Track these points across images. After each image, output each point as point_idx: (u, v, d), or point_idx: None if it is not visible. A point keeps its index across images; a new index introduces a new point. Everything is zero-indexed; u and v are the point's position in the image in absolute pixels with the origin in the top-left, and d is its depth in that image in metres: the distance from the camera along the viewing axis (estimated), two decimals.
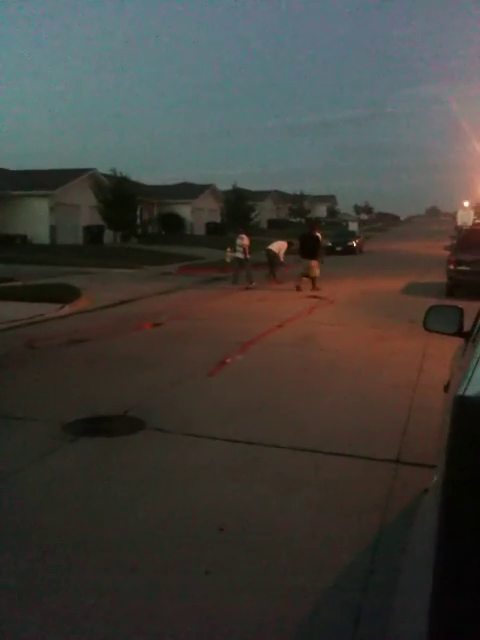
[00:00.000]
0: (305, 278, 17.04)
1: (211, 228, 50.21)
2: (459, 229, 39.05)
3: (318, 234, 18.27)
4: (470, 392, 1.56)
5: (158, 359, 8.46)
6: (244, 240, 18.48)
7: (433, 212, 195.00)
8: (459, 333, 3.82)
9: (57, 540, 3.60)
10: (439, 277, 17.76)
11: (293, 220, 72.07)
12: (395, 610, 1.79)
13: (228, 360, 8.22)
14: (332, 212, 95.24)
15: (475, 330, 3.29)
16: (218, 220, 52.84)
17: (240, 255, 18.42)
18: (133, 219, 38.46)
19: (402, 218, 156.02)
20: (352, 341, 9.92)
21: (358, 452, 4.97)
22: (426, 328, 4.08)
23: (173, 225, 47.53)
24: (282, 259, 19.11)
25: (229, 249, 23.75)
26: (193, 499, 4.15)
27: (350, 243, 37.82)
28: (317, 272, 17.10)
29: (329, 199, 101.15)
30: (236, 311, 13.33)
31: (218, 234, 46.13)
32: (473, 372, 1.77)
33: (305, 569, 3.32)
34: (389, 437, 5.33)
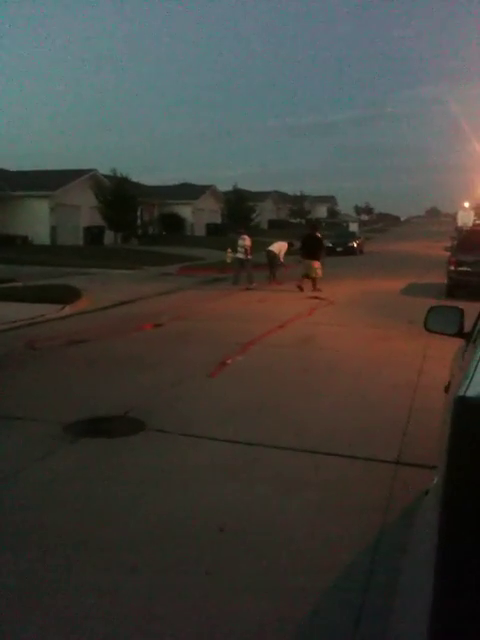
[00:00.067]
0: (307, 279, 17.05)
1: (212, 229, 50.22)
2: (459, 230, 39.05)
3: (320, 235, 18.27)
4: (471, 393, 1.56)
5: (158, 360, 8.46)
6: (246, 241, 18.47)
7: (433, 213, 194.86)
8: (460, 334, 3.82)
9: (57, 540, 3.61)
10: (439, 278, 17.77)
11: (293, 221, 72.06)
12: (395, 610, 1.79)
13: (228, 361, 8.22)
14: (332, 213, 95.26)
15: (476, 331, 3.29)
16: (219, 221, 52.84)
17: (242, 256, 18.41)
18: (133, 220, 38.46)
19: (402, 219, 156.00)
20: (352, 342, 9.92)
21: (358, 453, 4.96)
22: (427, 329, 4.09)
23: (174, 226, 47.53)
24: (282, 260, 19.10)
25: (229, 250, 23.78)
26: (193, 499, 4.15)
27: (350, 244, 37.84)
28: (319, 273, 17.11)
29: (329, 200, 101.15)
30: (236, 312, 13.33)
31: (219, 235, 46.14)
32: (474, 373, 1.77)
33: (305, 569, 3.32)
34: (389, 438, 5.33)
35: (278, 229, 54.41)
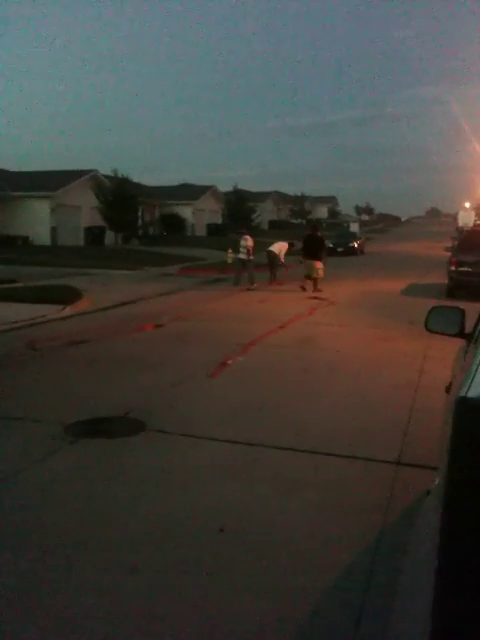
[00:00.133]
0: (309, 279, 17.07)
1: (212, 229, 50.23)
2: (460, 230, 39.05)
3: (321, 235, 18.26)
4: (472, 393, 1.55)
5: (159, 360, 8.46)
6: (248, 241, 18.48)
7: (434, 213, 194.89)
8: (461, 334, 3.81)
9: (57, 540, 3.60)
10: (439, 278, 17.76)
11: (294, 221, 72.08)
12: (396, 610, 1.79)
13: (229, 361, 8.22)
14: (333, 213, 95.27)
15: (477, 331, 3.28)
16: (219, 221, 52.86)
17: (243, 256, 18.41)
18: (134, 220, 38.49)
19: (403, 219, 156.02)
20: (353, 342, 9.92)
21: (358, 453, 4.96)
22: (428, 329, 4.08)
23: (174, 226, 47.54)
24: (283, 260, 19.10)
25: (230, 250, 23.78)
26: (193, 500, 4.15)
27: (351, 244, 37.84)
28: (320, 273, 17.13)
29: (330, 200, 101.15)
30: (237, 312, 13.33)
31: (219, 235, 46.16)
32: (475, 373, 1.77)
33: (305, 569, 3.32)
34: (390, 438, 5.33)
35: (278, 230, 54.43)
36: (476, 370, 1.82)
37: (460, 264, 15.78)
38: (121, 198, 35.01)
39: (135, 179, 39.39)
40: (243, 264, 18.45)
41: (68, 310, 12.87)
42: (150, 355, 8.79)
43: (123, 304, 14.21)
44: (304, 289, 16.65)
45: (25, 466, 4.70)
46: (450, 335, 3.92)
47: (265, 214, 61.53)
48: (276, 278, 18.83)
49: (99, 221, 35.93)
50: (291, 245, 19.60)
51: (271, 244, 19.66)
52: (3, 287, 15.42)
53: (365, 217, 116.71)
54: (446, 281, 16.28)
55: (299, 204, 77.74)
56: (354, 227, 60.63)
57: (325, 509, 4.04)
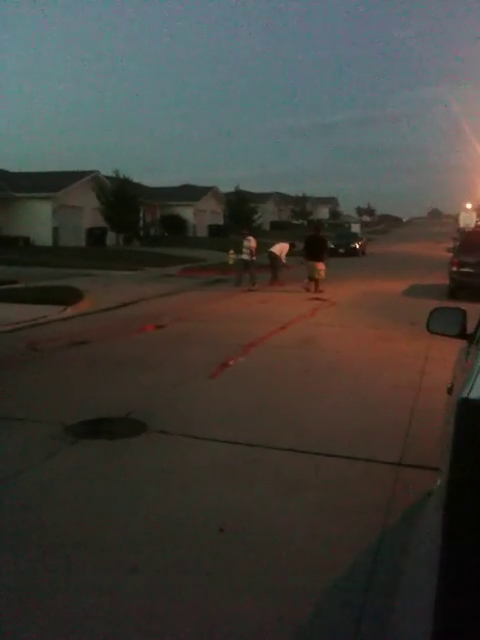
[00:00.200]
0: (313, 280, 17.09)
1: (213, 230, 50.27)
2: (461, 231, 39.05)
3: (323, 236, 18.27)
4: (474, 395, 1.55)
5: (160, 361, 8.45)
6: (251, 242, 18.53)
7: (435, 214, 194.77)
8: (462, 335, 3.81)
9: (58, 540, 3.60)
10: (441, 279, 17.75)
11: (295, 222, 72.09)
12: (397, 610, 1.79)
13: (230, 362, 8.22)
14: (334, 214, 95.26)
15: (478, 332, 3.28)
16: (220, 222, 52.89)
17: (246, 257, 18.45)
18: (136, 221, 38.54)
19: (404, 220, 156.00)
20: (354, 343, 9.91)
21: (359, 454, 4.95)
22: (429, 330, 4.08)
23: (175, 227, 47.57)
24: (284, 260, 19.10)
25: (231, 251, 23.78)
26: (194, 500, 4.14)
27: (352, 245, 37.86)
28: (322, 274, 17.13)
29: (331, 201, 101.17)
30: (238, 313, 13.32)
31: (220, 236, 46.19)
32: (477, 375, 1.76)
33: (306, 570, 3.31)
34: (391, 439, 5.32)
35: (280, 230, 54.44)
36: (478, 371, 1.81)
37: (461, 265, 15.78)
38: (122, 199, 35.06)
39: (136, 180, 39.52)
40: (245, 265, 18.48)
41: (69, 311, 12.88)
42: (151, 356, 8.79)
43: (124, 305, 14.21)
44: (308, 290, 16.67)
45: (26, 466, 4.70)
46: (451, 336, 3.92)
47: (266, 215, 61.55)
48: (277, 279, 18.84)
49: (100, 222, 35.97)
50: (292, 245, 19.61)
51: (272, 245, 19.68)
52: (4, 288, 15.43)
53: (366, 218, 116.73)
54: (447, 282, 16.28)
55: (300, 205, 77.77)
56: (355, 228, 60.69)
57: (326, 510, 4.03)
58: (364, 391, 6.96)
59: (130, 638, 2.80)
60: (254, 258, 18.41)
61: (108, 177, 37.63)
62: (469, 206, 66.13)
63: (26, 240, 33.08)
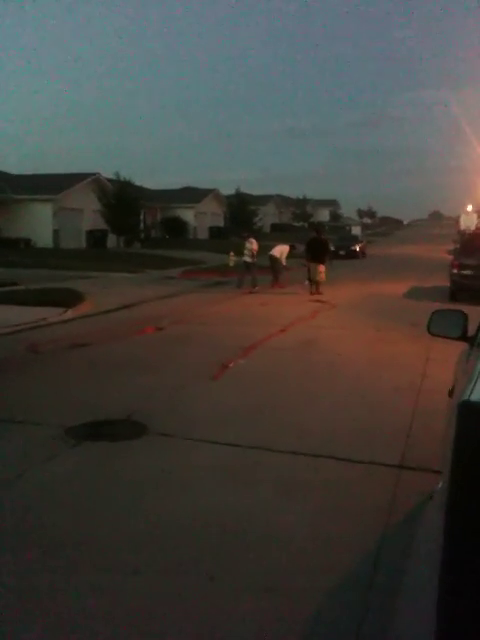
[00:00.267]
0: (316, 282, 17.13)
1: (214, 232, 50.32)
2: (462, 233, 39.06)
3: (324, 238, 18.30)
4: (475, 397, 1.55)
5: (160, 363, 8.46)
6: (253, 244, 18.60)
7: (436, 216, 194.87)
8: (463, 337, 3.80)
9: (59, 542, 3.60)
10: (442, 281, 17.77)
11: (296, 224, 72.13)
12: (400, 611, 1.79)
13: (230, 364, 8.22)
14: (335, 216, 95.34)
15: (479, 335, 3.28)
16: (221, 224, 52.94)
17: (248, 259, 18.50)
18: (136, 223, 38.55)
19: (405, 222, 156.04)
20: (355, 345, 9.91)
21: (360, 456, 4.95)
22: (430, 332, 4.07)
23: (176, 229, 47.62)
24: (285, 262, 19.12)
25: (232, 253, 23.81)
26: (195, 502, 4.14)
27: (353, 247, 37.89)
28: (322, 276, 17.18)
29: (332, 203, 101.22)
30: (238, 315, 13.33)
31: (221, 238, 46.23)
32: (478, 377, 1.76)
33: (306, 571, 3.31)
34: (392, 441, 5.31)
35: (280, 232, 54.46)
36: (479, 374, 1.81)
37: (462, 267, 15.78)
38: (123, 201, 35.08)
39: (137, 182, 39.52)
40: (247, 267, 18.53)
41: (70, 313, 12.87)
42: (151, 358, 8.79)
43: (125, 307, 14.22)
44: (313, 293, 16.70)
45: (27, 469, 4.70)
46: (452, 338, 3.91)
47: (267, 217, 61.59)
48: (278, 281, 18.85)
49: (101, 224, 35.99)
50: (292, 247, 19.64)
51: (272, 247, 19.71)
52: (5, 290, 15.44)
53: (367, 220, 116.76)
54: (448, 284, 16.28)
55: (301, 207, 77.82)
56: (356, 230, 60.75)
57: (326, 511, 4.03)
58: (365, 393, 6.96)
59: (130, 638, 2.80)
60: (255, 260, 18.45)
61: (109, 179, 37.68)
62: (470, 208, 66.17)
63: (27, 242, 33.11)
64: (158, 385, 7.27)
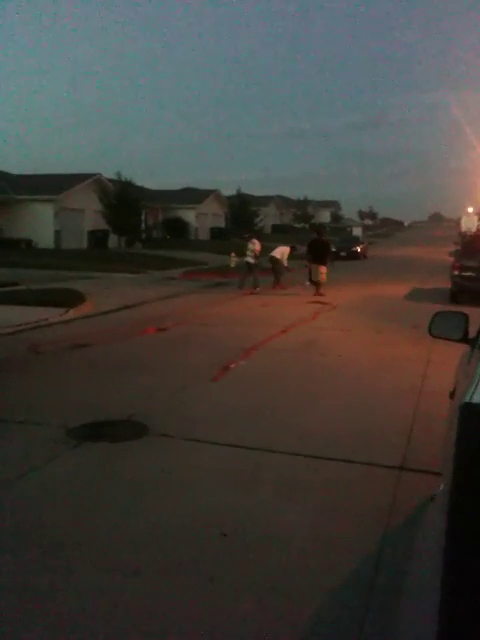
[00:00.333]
0: (318, 282, 17.14)
1: (215, 233, 50.32)
2: (463, 235, 39.06)
3: (326, 239, 18.32)
4: (476, 399, 1.56)
5: (161, 364, 8.46)
6: (256, 245, 18.64)
7: (436, 218, 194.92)
8: (464, 339, 3.80)
9: (59, 542, 3.60)
10: (442, 283, 17.76)
11: (297, 225, 72.14)
12: (401, 612, 1.79)
13: (232, 365, 8.22)
14: (336, 217, 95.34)
15: None
16: (222, 225, 52.94)
17: (251, 259, 18.52)
18: (137, 224, 38.56)
19: (406, 224, 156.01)
20: (355, 346, 9.91)
21: (361, 458, 4.95)
22: (431, 334, 4.07)
23: (177, 230, 47.64)
24: (286, 263, 19.13)
25: (233, 254, 23.82)
26: (195, 503, 4.14)
27: (354, 248, 37.89)
28: (323, 277, 17.20)
29: (333, 204, 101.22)
30: (240, 316, 13.33)
31: (222, 239, 46.24)
32: (479, 379, 1.77)
33: (306, 571, 3.31)
34: (393, 443, 5.31)
35: (282, 234, 54.52)
36: None
37: (463, 269, 15.77)
38: (124, 202, 35.09)
39: (138, 183, 39.56)
40: (249, 268, 18.56)
41: (71, 313, 12.88)
42: (152, 359, 8.79)
43: (126, 307, 14.22)
44: (317, 294, 16.70)
45: (28, 469, 4.70)
46: (453, 340, 3.91)
47: (268, 218, 61.60)
48: (280, 282, 18.86)
49: (102, 224, 36.00)
50: (293, 248, 19.65)
51: (273, 249, 19.72)
52: (6, 290, 15.45)
53: (368, 221, 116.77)
54: (449, 286, 16.28)
55: (302, 208, 77.84)
56: (357, 231, 60.68)
57: (327, 512, 4.03)
58: (366, 394, 6.96)
59: (130, 638, 2.80)
60: (258, 261, 18.51)
61: (110, 179, 37.70)
62: (471, 210, 66.11)
63: (28, 242, 33.12)
64: (159, 386, 7.27)
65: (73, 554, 3.48)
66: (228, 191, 55.92)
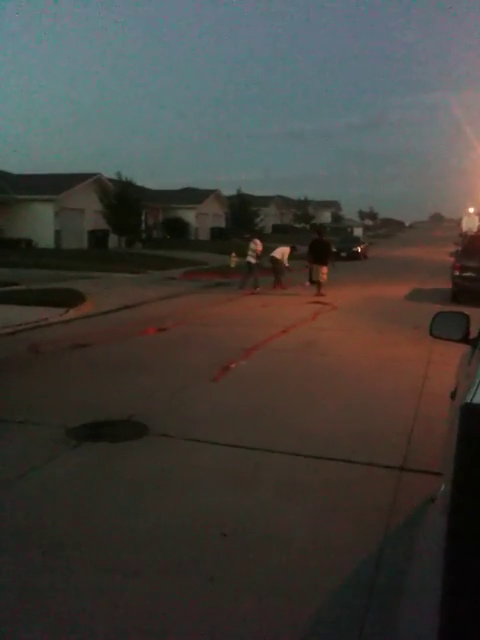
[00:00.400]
0: (318, 282, 17.15)
1: (216, 233, 50.33)
2: (464, 235, 39.04)
3: (327, 239, 18.35)
4: (477, 400, 1.55)
5: (161, 364, 8.46)
6: (257, 245, 18.67)
7: (437, 218, 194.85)
8: (465, 340, 3.80)
9: (59, 543, 3.60)
10: (443, 283, 17.77)
11: (297, 226, 72.16)
12: (402, 612, 1.79)
13: (232, 365, 8.22)
14: (336, 218, 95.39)
15: None
16: (223, 225, 52.95)
17: (252, 260, 18.55)
18: (138, 224, 38.58)
19: (407, 224, 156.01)
20: (356, 347, 9.91)
21: (361, 458, 4.94)
22: (432, 334, 4.07)
23: (178, 230, 47.65)
24: (286, 264, 19.15)
25: (234, 254, 23.82)
26: (195, 503, 4.14)
27: (355, 249, 37.92)
28: (324, 277, 17.22)
29: (333, 205, 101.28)
30: (240, 316, 13.32)
31: (222, 239, 46.26)
32: None
33: (307, 571, 3.31)
34: (393, 443, 5.31)
35: (282, 234, 54.53)
36: None
37: (464, 269, 15.77)
38: (125, 201, 35.10)
39: (139, 183, 39.58)
40: (250, 268, 18.58)
41: (71, 313, 12.88)
42: (152, 359, 8.79)
43: (126, 307, 14.22)
44: (320, 294, 16.72)
45: (28, 469, 4.70)
46: (454, 341, 3.91)
47: (268, 218, 61.63)
48: (280, 282, 18.87)
49: (103, 224, 36.02)
50: (293, 248, 19.67)
51: (274, 249, 19.74)
52: (6, 290, 15.45)
53: (368, 222, 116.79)
54: (450, 286, 16.28)
55: (302, 208, 77.87)
56: (357, 232, 60.71)
57: (327, 512, 4.03)
58: (366, 395, 6.96)
59: (130, 638, 2.80)
60: (259, 261, 18.53)
61: (110, 179, 37.71)
62: (471, 210, 66.14)
63: (28, 242, 33.13)
64: (159, 386, 7.27)
65: (73, 554, 3.48)
66: (228, 191, 56.04)
